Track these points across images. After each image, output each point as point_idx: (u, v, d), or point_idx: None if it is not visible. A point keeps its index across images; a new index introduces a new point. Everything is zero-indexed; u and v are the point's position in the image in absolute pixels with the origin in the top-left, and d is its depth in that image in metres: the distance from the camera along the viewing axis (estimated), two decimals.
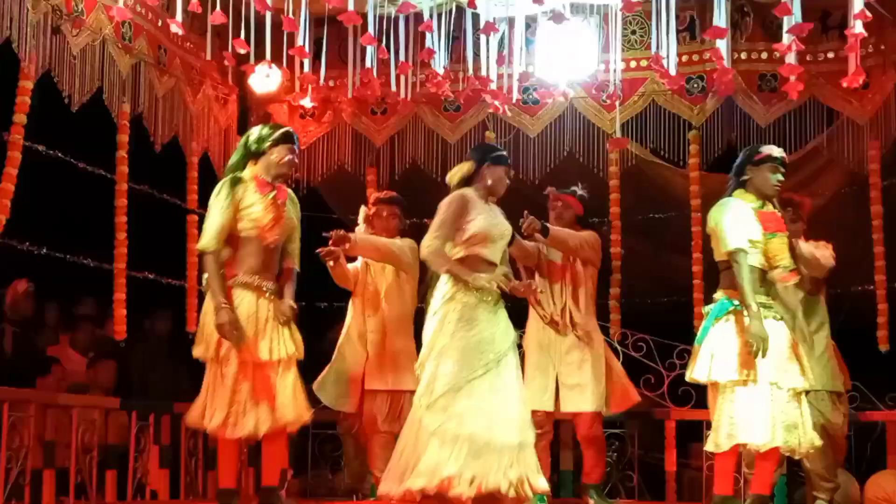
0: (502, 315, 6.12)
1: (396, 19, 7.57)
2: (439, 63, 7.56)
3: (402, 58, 7.71)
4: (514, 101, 8.32)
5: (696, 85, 8.56)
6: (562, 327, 7.16)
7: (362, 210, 7.50)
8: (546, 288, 7.25)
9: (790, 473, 7.49)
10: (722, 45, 7.30)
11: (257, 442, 6.12)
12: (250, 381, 5.81)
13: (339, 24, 7.05)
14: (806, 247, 6.73)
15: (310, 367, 6.61)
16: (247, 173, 6.12)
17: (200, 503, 7.04)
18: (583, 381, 7.12)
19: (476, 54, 8.08)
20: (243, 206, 6.03)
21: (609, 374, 7.25)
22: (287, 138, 6.17)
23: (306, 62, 7.78)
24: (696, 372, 6.12)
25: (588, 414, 7.15)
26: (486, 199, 6.31)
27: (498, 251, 6.26)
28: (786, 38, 6.30)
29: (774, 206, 6.26)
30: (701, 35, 8.40)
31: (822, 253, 6.93)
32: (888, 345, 8.09)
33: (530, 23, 8.16)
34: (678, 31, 7.74)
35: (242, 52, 7.22)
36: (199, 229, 8.46)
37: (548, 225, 7.19)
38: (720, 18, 6.63)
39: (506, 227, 6.32)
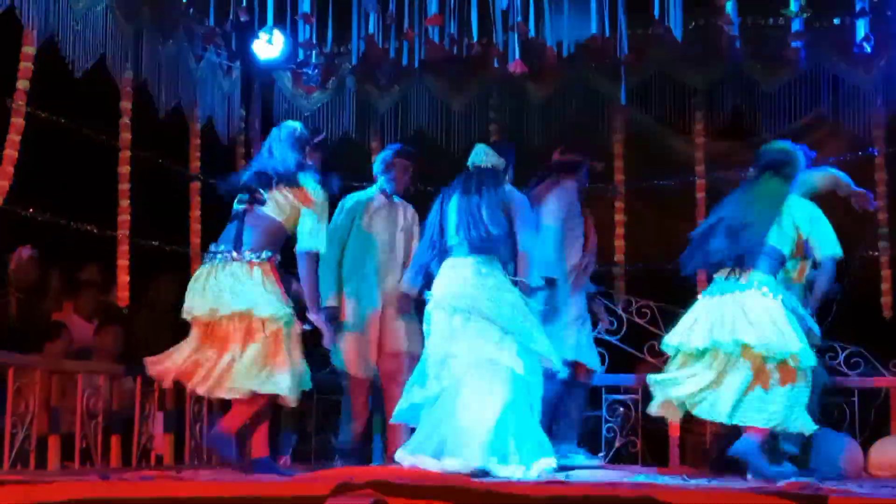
0: None
1: None
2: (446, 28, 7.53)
3: (406, 24, 7.69)
4: (518, 66, 8.29)
5: (701, 51, 8.52)
6: None
7: None
8: None
9: None
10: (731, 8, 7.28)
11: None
12: None
13: None
14: None
15: None
16: None
17: (205, 468, 7.06)
18: None
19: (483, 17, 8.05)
20: None
21: None
22: None
23: (311, 28, 7.77)
24: None
25: None
26: None
27: None
28: (793, 5, 6.32)
29: None
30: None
31: None
32: (892, 311, 8.10)
33: None
34: None
35: (245, 18, 7.22)
36: (202, 196, 8.52)
37: None
38: None
39: None
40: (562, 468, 6.42)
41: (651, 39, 8.54)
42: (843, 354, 7.55)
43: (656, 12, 8.35)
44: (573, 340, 7.30)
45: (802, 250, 6.67)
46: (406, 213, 7.46)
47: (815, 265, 6.72)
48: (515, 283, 6.37)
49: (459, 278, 6.37)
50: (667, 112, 8.71)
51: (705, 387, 6.29)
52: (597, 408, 7.91)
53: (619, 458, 7.88)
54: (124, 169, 7.74)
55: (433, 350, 6.36)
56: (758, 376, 6.20)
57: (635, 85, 8.65)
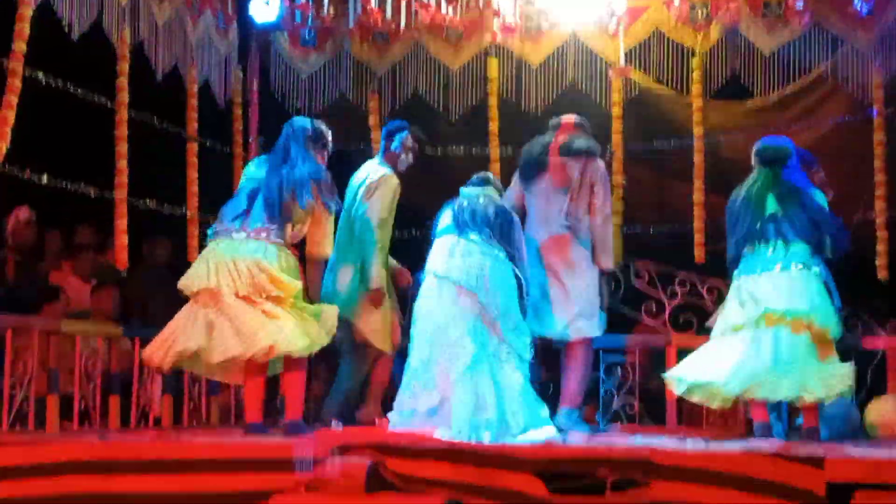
0: None
1: None
2: None
3: None
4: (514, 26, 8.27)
5: (700, 12, 8.49)
6: None
7: None
8: None
9: None
10: None
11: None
12: None
13: None
14: None
15: None
16: None
17: (204, 430, 7.09)
18: None
19: None
20: None
21: None
22: None
23: None
24: None
25: None
26: None
27: None
28: None
29: None
30: None
31: None
32: (887, 273, 8.11)
33: None
34: None
35: None
36: (199, 158, 8.51)
37: None
38: None
39: None
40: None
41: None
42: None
43: None
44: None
45: None
46: None
47: None
48: None
49: None
50: (664, 75, 8.68)
51: (759, 370, 6.39)
52: (594, 369, 7.92)
53: (617, 419, 7.91)
54: (121, 131, 7.71)
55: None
56: (817, 348, 6.36)
57: (633, 47, 8.63)
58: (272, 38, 9.03)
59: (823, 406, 6.73)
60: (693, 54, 8.60)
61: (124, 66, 7.73)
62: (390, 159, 7.35)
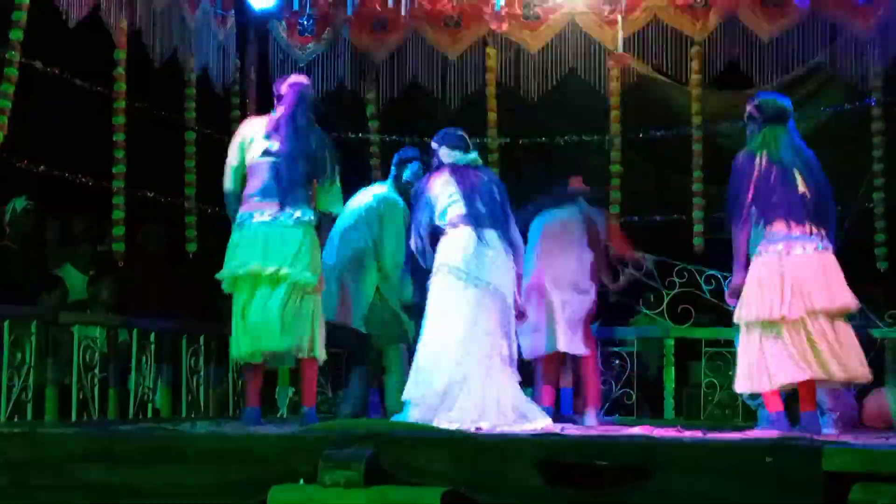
0: None
1: None
2: None
3: None
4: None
5: (699, 0, 8.48)
6: None
7: None
8: None
9: None
10: None
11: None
12: None
13: None
14: None
15: None
16: None
17: (202, 421, 7.08)
18: None
19: None
20: None
21: None
22: None
23: None
24: None
25: None
26: None
27: None
28: None
29: None
30: None
31: None
32: (886, 262, 8.12)
33: None
34: None
35: None
36: (197, 146, 8.49)
37: None
38: None
39: None
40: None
41: None
42: None
43: None
44: None
45: None
46: None
47: None
48: None
49: None
50: (663, 62, 8.67)
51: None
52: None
53: (615, 410, 7.92)
54: (119, 120, 7.70)
55: None
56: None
57: (632, 35, 8.61)
58: (270, 26, 9.01)
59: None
60: (692, 42, 8.59)
61: (122, 55, 7.71)
62: (400, 188, 7.35)
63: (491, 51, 8.83)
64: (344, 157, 7.43)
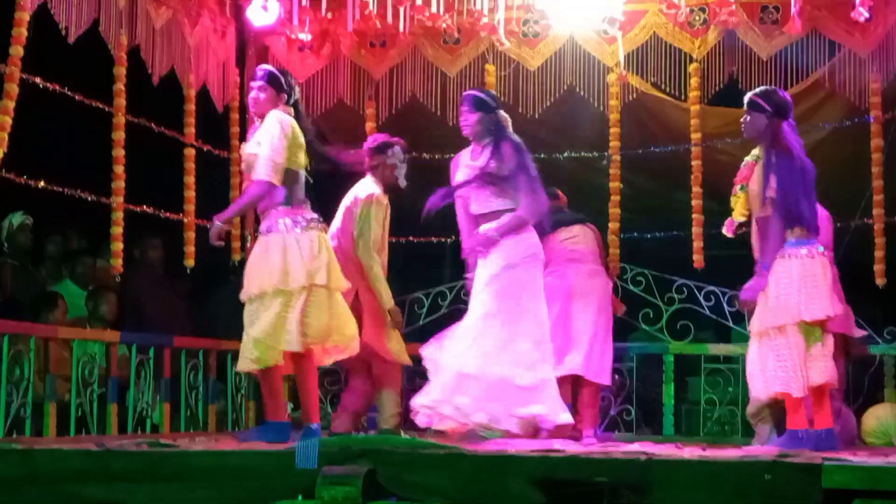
0: None
1: None
2: None
3: None
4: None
5: (697, 17, 8.49)
6: None
7: None
8: None
9: None
10: None
11: None
12: None
13: None
14: None
15: None
16: None
17: (201, 436, 7.08)
18: None
19: None
20: None
21: None
22: None
23: None
24: None
25: None
26: None
27: None
28: None
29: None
30: None
31: None
32: (884, 279, 8.11)
33: None
34: None
35: None
36: (197, 163, 8.50)
37: None
38: None
39: None
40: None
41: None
42: None
43: None
44: None
45: None
46: None
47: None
48: None
49: None
50: (662, 79, 8.68)
51: None
52: None
53: (613, 427, 7.92)
54: (118, 135, 7.71)
55: None
56: None
57: (631, 52, 8.62)
58: (270, 42, 9.01)
59: None
60: (691, 59, 8.60)
61: (121, 71, 7.72)
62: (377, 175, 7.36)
63: (490, 67, 8.83)
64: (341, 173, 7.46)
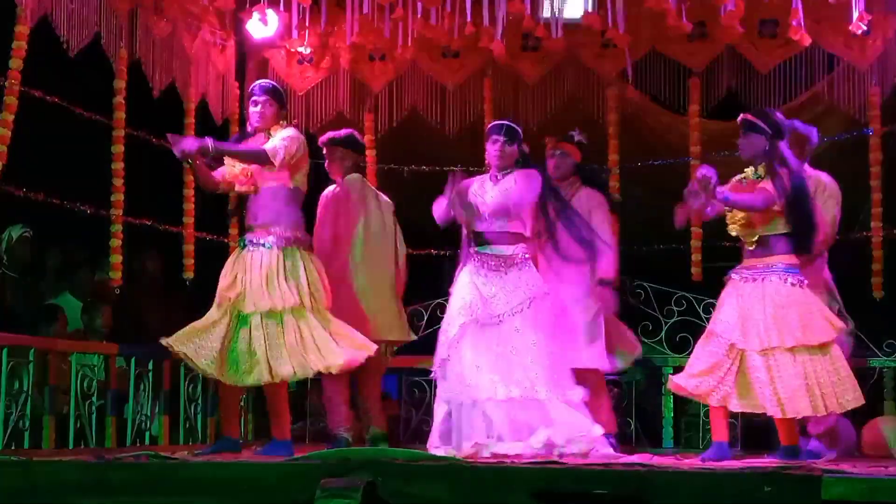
0: None
1: None
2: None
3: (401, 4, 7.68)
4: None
5: (697, 31, 8.50)
6: None
7: None
8: None
9: None
10: None
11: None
12: None
13: None
14: None
15: None
16: None
17: (200, 447, 7.07)
18: None
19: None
20: None
21: None
22: None
23: (305, 7, 7.73)
24: None
25: None
26: None
27: None
28: None
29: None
30: None
31: None
32: (882, 291, 8.12)
33: None
34: None
35: None
36: (195, 176, 8.48)
37: None
38: None
39: None
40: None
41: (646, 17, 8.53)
42: None
43: None
44: None
45: None
46: None
47: None
48: None
49: None
50: (661, 92, 8.70)
51: None
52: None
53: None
54: (118, 148, 7.72)
55: None
56: None
57: (630, 64, 8.64)
58: (269, 55, 9.03)
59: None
60: (690, 72, 8.62)
61: (121, 84, 7.73)
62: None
63: (490, 80, 8.85)
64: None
